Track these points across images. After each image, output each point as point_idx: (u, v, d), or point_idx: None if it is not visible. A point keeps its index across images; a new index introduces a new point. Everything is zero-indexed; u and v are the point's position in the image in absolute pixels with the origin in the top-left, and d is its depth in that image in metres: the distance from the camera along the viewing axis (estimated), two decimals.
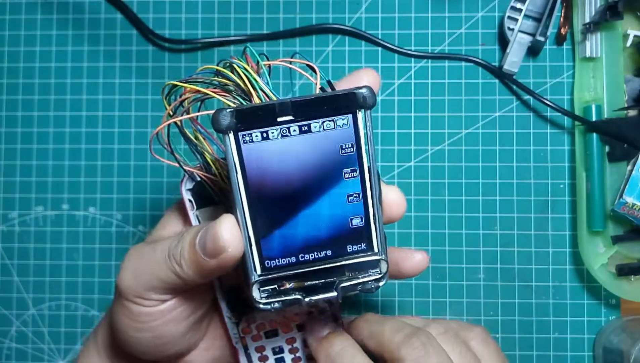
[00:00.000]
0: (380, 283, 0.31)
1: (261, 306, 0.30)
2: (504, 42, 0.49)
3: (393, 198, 0.32)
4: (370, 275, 0.31)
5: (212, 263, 0.30)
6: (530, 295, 0.48)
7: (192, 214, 0.35)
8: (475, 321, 0.48)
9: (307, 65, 0.32)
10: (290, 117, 0.29)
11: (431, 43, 0.50)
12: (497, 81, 0.50)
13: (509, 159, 0.49)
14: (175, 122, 0.32)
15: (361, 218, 0.30)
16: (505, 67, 0.48)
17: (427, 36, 0.50)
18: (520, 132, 0.49)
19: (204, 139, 0.33)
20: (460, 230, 0.49)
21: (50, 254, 0.51)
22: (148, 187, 0.50)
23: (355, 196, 0.30)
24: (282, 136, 0.29)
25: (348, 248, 0.31)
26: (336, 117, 0.29)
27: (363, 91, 0.29)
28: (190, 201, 0.35)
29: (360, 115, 0.29)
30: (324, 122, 0.29)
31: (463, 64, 0.50)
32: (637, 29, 0.47)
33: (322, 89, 0.31)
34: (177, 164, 0.33)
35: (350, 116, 0.29)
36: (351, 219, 0.30)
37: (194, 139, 0.33)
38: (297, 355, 0.38)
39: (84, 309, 0.50)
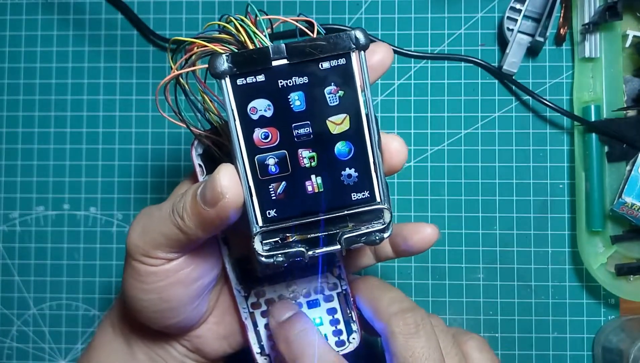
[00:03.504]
0: (385, 234, 0.31)
1: (263, 259, 0.30)
2: (503, 42, 0.49)
3: (395, 147, 0.31)
4: (373, 225, 0.31)
5: (212, 212, 0.30)
6: (529, 294, 0.49)
7: (202, 179, 0.35)
8: (475, 320, 0.49)
9: (306, 21, 0.32)
10: (284, 61, 0.29)
11: (431, 43, 0.50)
12: (496, 81, 0.50)
13: (509, 159, 0.49)
14: (181, 85, 0.32)
15: (361, 166, 0.30)
16: (505, 67, 0.48)
17: (426, 37, 0.50)
18: (519, 132, 0.49)
19: (210, 101, 0.33)
20: (459, 229, 0.49)
21: (51, 254, 0.51)
22: (149, 187, 0.51)
23: (355, 143, 0.30)
24: (278, 80, 0.29)
25: (350, 197, 0.30)
26: (331, 60, 0.29)
27: (355, 32, 0.29)
28: (200, 166, 0.35)
29: (354, 56, 0.29)
30: (318, 64, 0.29)
31: (462, 64, 0.50)
32: (636, 29, 0.48)
33: None
34: (183, 125, 0.33)
35: (344, 58, 0.29)
36: (351, 167, 0.30)
37: (200, 102, 0.33)
38: None
39: (84, 309, 0.50)
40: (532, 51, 0.49)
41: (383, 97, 0.50)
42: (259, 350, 0.37)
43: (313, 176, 0.30)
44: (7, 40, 0.52)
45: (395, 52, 0.50)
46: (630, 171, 0.46)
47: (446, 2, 0.50)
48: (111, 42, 0.51)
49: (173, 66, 0.31)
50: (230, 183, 0.29)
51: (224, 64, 0.29)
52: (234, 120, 0.29)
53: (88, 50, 0.51)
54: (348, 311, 0.37)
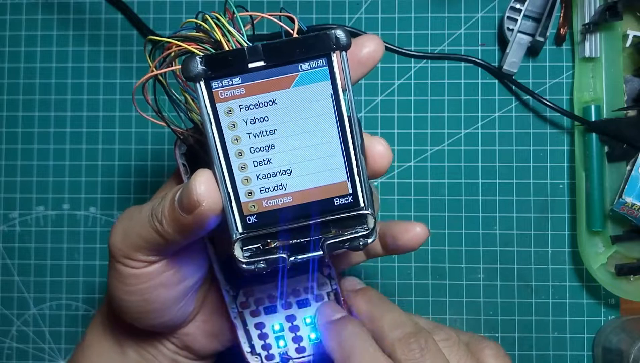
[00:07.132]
0: (369, 240, 0.30)
1: (244, 266, 0.29)
2: (503, 42, 0.49)
3: (379, 150, 0.30)
4: (357, 231, 0.30)
5: (189, 219, 0.29)
6: (529, 294, 0.49)
7: (186, 179, 0.34)
8: (475, 320, 0.49)
9: (287, 17, 0.30)
10: (261, 63, 0.28)
11: (431, 43, 0.50)
12: (496, 81, 0.50)
13: (509, 159, 0.49)
14: (161, 84, 0.31)
15: (344, 170, 0.29)
16: (505, 67, 0.48)
17: (426, 37, 0.50)
18: (519, 132, 0.49)
19: (192, 100, 0.32)
20: (459, 229, 0.49)
21: (51, 254, 0.51)
22: (149, 187, 0.51)
23: (336, 147, 0.29)
24: (255, 82, 0.28)
25: (333, 203, 0.29)
26: (310, 61, 0.28)
27: (336, 31, 0.28)
28: (184, 165, 0.34)
29: (335, 57, 0.28)
30: (297, 66, 0.28)
31: (463, 64, 0.50)
32: (636, 29, 0.48)
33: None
34: (164, 124, 0.32)
35: (324, 58, 0.28)
36: (333, 172, 0.29)
37: (181, 101, 0.32)
38: (298, 334, 0.37)
39: (84, 309, 0.50)
40: (532, 51, 0.49)
41: (383, 97, 0.50)
42: (249, 350, 0.37)
43: None
44: (6, 40, 0.52)
45: (395, 52, 0.50)
46: (631, 171, 0.46)
47: (446, 2, 0.50)
48: (111, 42, 0.51)
49: (151, 65, 0.31)
50: (207, 190, 0.28)
51: (197, 66, 0.27)
52: (210, 124, 0.28)
53: (88, 50, 0.51)
54: None
